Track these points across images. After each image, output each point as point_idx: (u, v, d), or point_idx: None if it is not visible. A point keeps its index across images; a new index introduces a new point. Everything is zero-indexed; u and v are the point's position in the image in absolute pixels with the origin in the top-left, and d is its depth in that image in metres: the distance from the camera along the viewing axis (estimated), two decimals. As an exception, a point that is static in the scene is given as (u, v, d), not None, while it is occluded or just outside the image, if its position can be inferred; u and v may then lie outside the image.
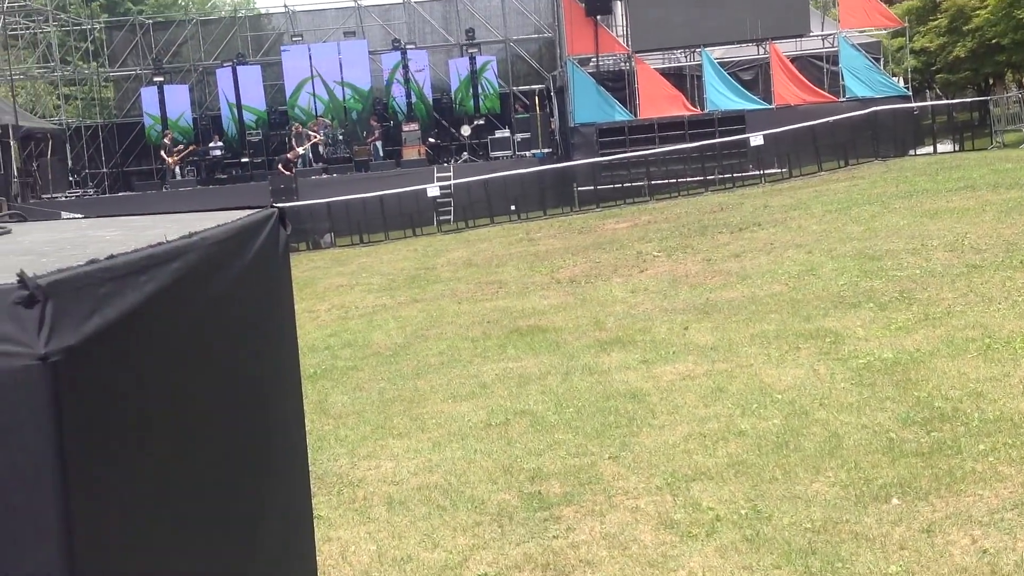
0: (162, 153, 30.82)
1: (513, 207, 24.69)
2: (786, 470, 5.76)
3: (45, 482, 1.46)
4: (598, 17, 28.38)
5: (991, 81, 36.16)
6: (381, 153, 30.48)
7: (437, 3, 35.32)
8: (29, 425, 1.46)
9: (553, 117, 30.55)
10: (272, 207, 3.16)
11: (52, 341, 1.47)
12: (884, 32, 30.68)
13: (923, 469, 5.51)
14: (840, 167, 24.36)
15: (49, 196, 28.89)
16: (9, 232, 2.99)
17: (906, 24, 29.69)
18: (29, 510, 1.47)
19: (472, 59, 32.26)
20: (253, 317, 2.64)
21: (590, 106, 27.29)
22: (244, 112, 32.41)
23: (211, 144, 31.36)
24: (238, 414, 2.40)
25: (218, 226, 2.48)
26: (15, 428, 1.46)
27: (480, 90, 32.13)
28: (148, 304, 1.84)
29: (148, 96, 32.90)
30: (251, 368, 2.59)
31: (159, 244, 2.05)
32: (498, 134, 30.48)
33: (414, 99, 32.20)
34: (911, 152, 25.22)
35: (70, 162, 32.94)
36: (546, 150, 28.96)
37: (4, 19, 31.83)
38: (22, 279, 1.48)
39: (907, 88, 28.43)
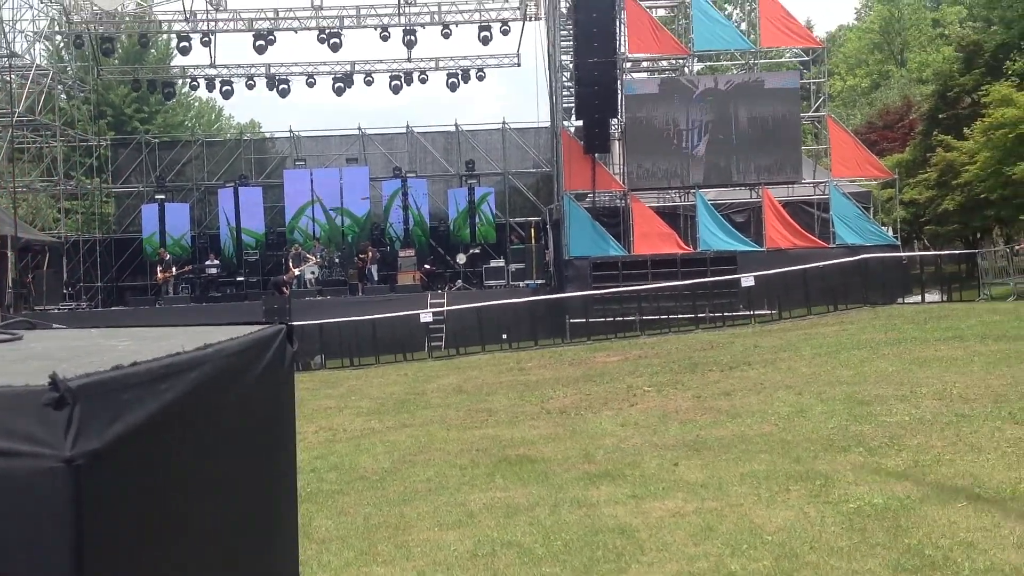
0: (158, 268, 31.08)
1: (505, 336, 24.80)
2: (776, 613, 5.68)
3: (62, 583, 1.47)
4: (596, 155, 29.08)
5: (979, 235, 36.84)
6: (376, 277, 30.75)
7: (439, 134, 36.26)
8: (50, 528, 1.48)
9: (548, 249, 30.98)
10: (281, 323, 3.23)
11: (78, 444, 1.50)
12: (875, 183, 31.46)
13: (914, 618, 5.44)
14: (829, 311, 24.61)
15: (42, 308, 28.94)
16: (20, 339, 3.03)
17: (896, 176, 30.46)
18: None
19: (471, 189, 32.92)
20: (260, 429, 2.67)
21: (585, 240, 27.72)
22: (243, 232, 32.82)
23: (207, 262, 31.65)
24: (242, 525, 2.42)
25: (232, 339, 2.53)
26: (36, 529, 1.48)
27: (477, 219, 32.67)
28: (166, 411, 1.87)
29: (148, 213, 33.37)
30: (255, 480, 2.61)
31: (177, 354, 2.09)
32: (493, 263, 30.86)
33: (412, 225, 32.69)
34: (899, 300, 25.53)
35: (65, 275, 33.12)
36: (539, 281, 29.29)
37: (12, 132, 32.43)
38: (54, 381, 1.52)
39: (896, 238, 28.98)
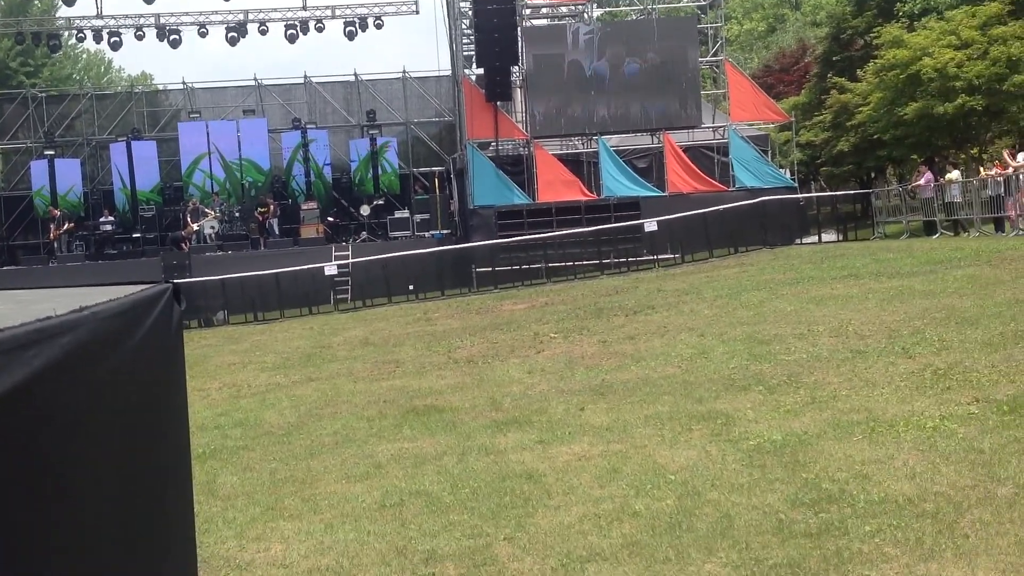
0: (51, 226, 30.11)
1: (411, 287, 24.69)
2: (679, 551, 5.79)
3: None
4: (498, 103, 28.92)
5: (873, 175, 37.79)
6: (278, 231, 30.27)
7: (339, 84, 35.62)
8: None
9: (452, 199, 30.83)
10: (167, 282, 3.12)
11: (-67, 415, 1.43)
12: (772, 126, 31.97)
13: (812, 550, 5.59)
14: (730, 254, 25.04)
15: (-72, 269, 27.84)
16: None
17: (792, 119, 30.98)
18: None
19: (373, 139, 32.50)
20: (144, 393, 2.58)
21: (489, 189, 27.64)
22: (137, 187, 31.92)
23: (102, 219, 30.75)
24: (126, 491, 2.34)
25: (110, 301, 2.44)
26: None
27: (380, 170, 32.32)
28: (36, 379, 1.79)
29: (38, 169, 32.24)
30: (141, 445, 2.53)
31: (47, 318, 2.00)
32: (397, 214, 30.62)
33: (313, 178, 32.18)
34: (797, 241, 26.11)
35: (-48, 235, 31.88)
36: (445, 231, 29.17)
37: None
38: (-96, 351, 1.43)
39: (793, 180, 29.54)
